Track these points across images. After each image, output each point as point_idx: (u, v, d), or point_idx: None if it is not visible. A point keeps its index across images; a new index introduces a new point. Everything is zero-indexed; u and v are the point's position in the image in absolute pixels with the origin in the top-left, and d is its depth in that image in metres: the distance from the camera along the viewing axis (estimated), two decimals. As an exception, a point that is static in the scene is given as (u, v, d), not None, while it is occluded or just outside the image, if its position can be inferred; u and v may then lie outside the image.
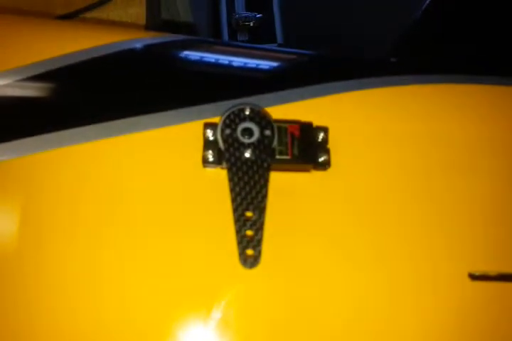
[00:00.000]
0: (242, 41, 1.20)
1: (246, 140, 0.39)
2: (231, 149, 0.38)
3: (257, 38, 1.22)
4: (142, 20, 0.59)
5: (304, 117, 0.44)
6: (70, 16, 0.56)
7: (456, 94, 0.50)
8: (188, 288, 0.37)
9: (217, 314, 0.36)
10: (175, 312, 0.36)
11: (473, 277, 0.41)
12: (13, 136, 0.39)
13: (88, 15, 0.58)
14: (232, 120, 0.39)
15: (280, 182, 0.41)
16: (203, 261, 0.37)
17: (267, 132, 0.39)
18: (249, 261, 0.35)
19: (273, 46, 1.19)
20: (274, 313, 0.37)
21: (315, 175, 0.42)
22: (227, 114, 0.39)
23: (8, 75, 0.41)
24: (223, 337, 0.36)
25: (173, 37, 0.50)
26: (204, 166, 0.40)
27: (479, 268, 0.42)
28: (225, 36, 1.14)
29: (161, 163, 0.41)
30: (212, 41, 0.54)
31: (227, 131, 0.39)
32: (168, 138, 0.41)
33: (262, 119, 0.40)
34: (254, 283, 0.37)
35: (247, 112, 0.40)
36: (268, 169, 0.38)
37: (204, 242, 0.38)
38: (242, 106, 0.40)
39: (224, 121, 0.39)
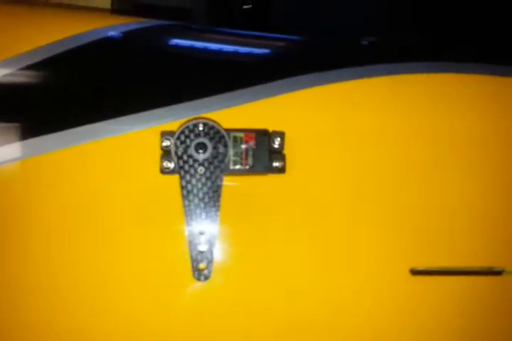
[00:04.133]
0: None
1: (199, 156, 0.40)
2: (185, 166, 0.40)
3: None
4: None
5: (260, 119, 0.44)
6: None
7: (443, 84, 0.49)
8: (140, 297, 0.41)
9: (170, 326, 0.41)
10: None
11: (414, 272, 0.45)
12: None
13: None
14: (187, 136, 0.41)
15: (237, 187, 0.43)
16: (156, 274, 0.41)
17: (220, 147, 0.41)
18: (202, 275, 0.39)
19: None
20: (229, 323, 0.42)
21: (271, 179, 0.44)
22: (181, 129, 0.41)
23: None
24: None
25: (129, 24, 0.48)
26: (162, 173, 0.42)
27: (420, 264, 0.45)
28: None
29: (121, 171, 0.43)
30: (182, 26, 0.51)
31: (182, 147, 0.40)
32: (127, 145, 0.43)
33: (215, 134, 0.41)
34: (206, 295, 0.41)
35: (201, 128, 0.41)
36: (221, 185, 0.40)
37: (157, 254, 0.41)
38: (195, 122, 0.41)
39: (178, 137, 0.40)
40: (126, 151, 0.43)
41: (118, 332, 0.41)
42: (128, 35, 0.47)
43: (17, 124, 0.42)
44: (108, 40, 0.46)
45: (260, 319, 0.42)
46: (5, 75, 0.42)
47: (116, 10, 0.55)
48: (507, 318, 0.46)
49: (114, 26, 0.47)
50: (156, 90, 0.45)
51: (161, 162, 0.41)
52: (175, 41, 0.50)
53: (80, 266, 0.41)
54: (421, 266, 0.45)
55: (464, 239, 0.46)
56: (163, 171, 0.42)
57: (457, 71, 0.49)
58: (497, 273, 0.46)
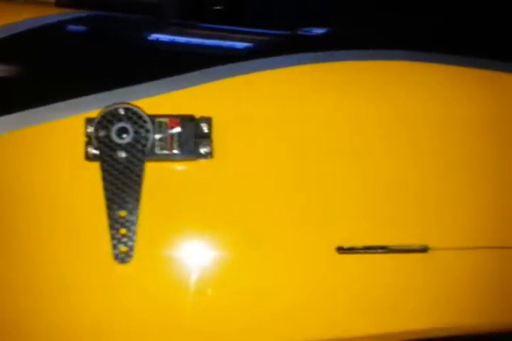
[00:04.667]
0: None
1: (120, 140, 0.41)
2: (106, 150, 0.41)
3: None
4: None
5: (187, 107, 0.45)
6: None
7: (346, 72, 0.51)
8: (63, 280, 0.41)
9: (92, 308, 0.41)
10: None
11: (341, 250, 0.46)
12: None
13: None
14: (108, 120, 0.41)
15: (164, 172, 0.44)
16: (78, 256, 0.41)
17: (142, 131, 0.41)
18: (122, 257, 0.39)
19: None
20: (148, 306, 0.42)
21: (199, 164, 0.45)
22: (102, 114, 0.41)
23: None
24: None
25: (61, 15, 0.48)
26: (87, 160, 0.42)
27: (347, 243, 0.47)
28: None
29: (47, 158, 0.43)
30: (113, 17, 0.52)
31: (103, 132, 0.41)
32: (53, 133, 0.43)
33: (137, 118, 0.41)
34: (127, 277, 0.42)
35: (122, 111, 0.41)
36: (142, 169, 0.41)
37: (81, 237, 0.42)
38: (116, 106, 0.41)
39: (99, 122, 0.41)
40: (52, 139, 0.43)
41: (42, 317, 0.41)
42: (52, 26, 0.47)
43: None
44: (32, 31, 0.46)
45: (181, 303, 0.43)
46: None
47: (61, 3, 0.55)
48: (432, 294, 0.48)
49: (42, 17, 0.47)
50: (81, 78, 0.45)
51: (86, 148, 0.42)
52: (100, 31, 0.50)
53: (7, 251, 0.41)
54: (347, 244, 0.46)
55: (390, 217, 0.47)
56: (88, 157, 0.42)
57: (385, 58, 0.51)
58: (422, 250, 0.48)
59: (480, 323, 0.49)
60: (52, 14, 0.48)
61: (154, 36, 0.51)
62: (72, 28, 0.49)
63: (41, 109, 0.43)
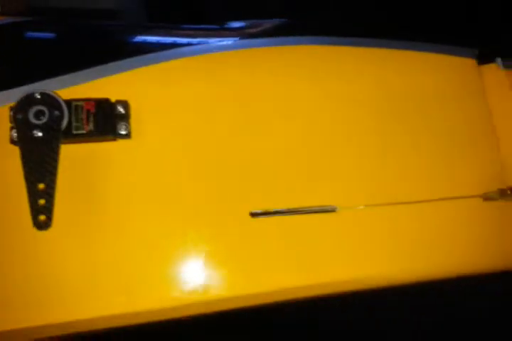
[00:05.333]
0: None
1: (37, 121, 0.45)
2: (23, 130, 0.45)
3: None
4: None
5: (107, 93, 0.50)
6: None
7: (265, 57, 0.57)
8: None
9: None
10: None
11: (254, 214, 0.51)
12: None
13: None
14: (26, 104, 0.45)
15: (84, 152, 0.48)
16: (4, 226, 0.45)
17: (57, 112, 0.46)
18: (41, 225, 0.43)
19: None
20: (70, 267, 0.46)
21: (119, 144, 0.50)
22: (19, 99, 0.45)
23: None
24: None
25: None
26: (13, 144, 0.47)
27: (259, 208, 0.51)
28: None
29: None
30: (31, 21, 0.57)
31: (20, 115, 0.45)
32: None
33: (52, 101, 0.46)
34: (47, 243, 0.46)
35: (38, 96, 0.46)
36: (58, 145, 0.45)
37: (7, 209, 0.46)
38: (32, 92, 0.46)
39: (16, 107, 0.45)
40: None
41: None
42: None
43: None
44: None
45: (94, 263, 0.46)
46: None
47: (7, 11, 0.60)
48: (341, 251, 0.52)
49: None
50: (6, 73, 0.50)
51: (11, 133, 0.46)
52: (30, 33, 0.55)
53: None
54: (259, 209, 0.51)
55: (299, 181, 0.52)
56: (13, 141, 0.46)
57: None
58: (331, 210, 0.53)
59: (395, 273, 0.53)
60: None
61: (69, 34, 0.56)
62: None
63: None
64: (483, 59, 0.61)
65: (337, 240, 0.52)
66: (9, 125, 0.47)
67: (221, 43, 0.57)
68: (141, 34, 0.57)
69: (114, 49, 0.54)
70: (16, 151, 0.46)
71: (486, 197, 0.55)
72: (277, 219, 0.52)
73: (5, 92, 0.48)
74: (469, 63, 0.61)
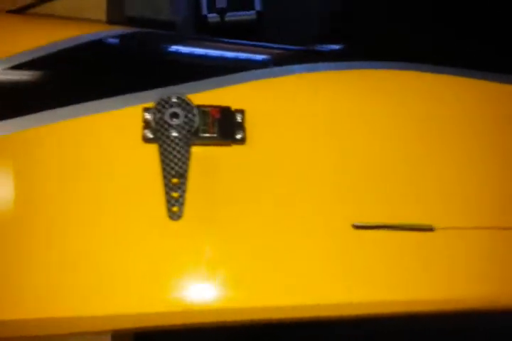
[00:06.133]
0: (220, 8, 1.27)
1: (173, 122, 0.49)
2: (161, 129, 0.49)
3: (235, 4, 1.29)
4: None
5: (227, 101, 0.54)
6: (21, 10, 0.62)
7: (368, 79, 0.60)
8: (134, 234, 0.49)
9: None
10: (119, 258, 0.49)
11: (357, 227, 0.53)
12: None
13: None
14: (163, 106, 0.50)
15: (206, 154, 0.52)
16: (142, 216, 0.49)
17: (190, 115, 0.50)
18: (175, 215, 0.47)
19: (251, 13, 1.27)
20: (194, 253, 0.49)
21: (235, 149, 0.53)
22: (158, 101, 0.50)
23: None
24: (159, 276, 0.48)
25: (123, 30, 0.59)
26: (144, 142, 0.51)
27: (362, 220, 0.53)
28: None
29: (110, 140, 0.52)
30: (162, 34, 0.63)
31: (158, 115, 0.49)
32: (115, 120, 0.52)
33: (186, 105, 0.50)
34: (178, 232, 0.49)
35: (174, 99, 0.50)
36: (190, 145, 0.49)
37: (144, 202, 0.49)
38: (170, 95, 0.50)
39: (156, 107, 0.50)
40: (115, 126, 0.52)
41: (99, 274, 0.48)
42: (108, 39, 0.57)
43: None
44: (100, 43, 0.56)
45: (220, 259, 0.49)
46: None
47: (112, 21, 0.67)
48: (437, 270, 0.54)
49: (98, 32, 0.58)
50: (139, 77, 0.55)
51: (143, 132, 0.50)
52: (153, 46, 0.60)
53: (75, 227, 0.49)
54: (362, 221, 0.53)
55: (403, 196, 0.54)
56: (146, 140, 0.50)
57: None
58: (429, 229, 0.54)
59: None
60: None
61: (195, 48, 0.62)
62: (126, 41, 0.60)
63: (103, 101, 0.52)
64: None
65: (430, 259, 0.53)
66: (141, 124, 0.51)
67: (327, 64, 0.61)
68: (258, 52, 0.62)
69: (233, 63, 0.59)
70: (147, 148, 0.50)
71: None
72: (377, 233, 0.53)
73: (140, 93, 0.53)
74: None
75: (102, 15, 0.70)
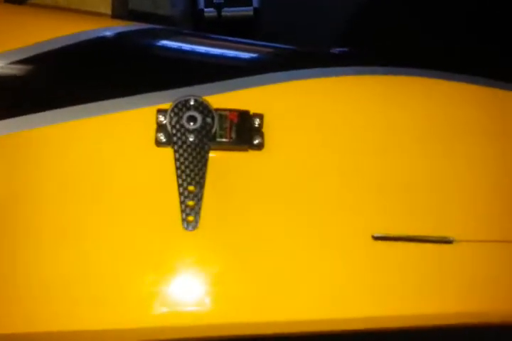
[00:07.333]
0: (218, 3, 1.24)
1: (190, 126, 0.47)
2: (178, 134, 0.46)
3: (233, 1, 1.26)
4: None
5: (244, 104, 0.51)
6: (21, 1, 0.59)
7: (391, 85, 0.58)
8: (143, 245, 0.46)
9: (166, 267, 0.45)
10: (132, 268, 0.46)
11: (376, 238, 0.51)
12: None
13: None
14: (180, 109, 0.47)
15: (222, 160, 0.50)
16: (152, 225, 0.46)
17: (208, 119, 0.47)
18: (190, 225, 0.44)
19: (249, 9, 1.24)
20: (211, 266, 0.47)
21: (252, 154, 0.51)
22: (175, 103, 0.47)
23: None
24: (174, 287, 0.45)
25: (134, 26, 0.56)
26: (157, 146, 0.48)
27: (382, 231, 0.51)
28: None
29: (120, 143, 0.48)
30: (172, 30, 0.60)
31: (175, 119, 0.47)
32: (126, 121, 0.49)
33: (204, 108, 0.47)
34: (193, 243, 0.46)
35: (192, 102, 0.47)
36: (208, 151, 0.46)
37: (155, 210, 0.46)
38: (188, 97, 0.47)
39: (172, 110, 0.47)
40: (126, 127, 0.49)
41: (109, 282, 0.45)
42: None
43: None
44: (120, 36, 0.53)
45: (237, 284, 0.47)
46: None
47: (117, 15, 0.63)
48: (456, 282, 0.52)
49: (111, 27, 0.55)
50: (155, 77, 0.52)
51: (156, 135, 0.47)
52: (168, 42, 0.57)
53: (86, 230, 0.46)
54: (382, 232, 0.51)
55: (422, 209, 0.53)
56: (158, 143, 0.48)
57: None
58: (448, 241, 0.53)
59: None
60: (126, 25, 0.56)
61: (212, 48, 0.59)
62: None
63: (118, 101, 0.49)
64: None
65: (451, 272, 0.52)
66: (154, 126, 0.48)
67: (347, 68, 0.58)
68: (277, 54, 0.59)
69: (252, 65, 0.56)
70: (160, 152, 0.48)
71: None
72: (396, 245, 0.52)
73: (153, 94, 0.50)
74: None
75: (107, 8, 0.66)
